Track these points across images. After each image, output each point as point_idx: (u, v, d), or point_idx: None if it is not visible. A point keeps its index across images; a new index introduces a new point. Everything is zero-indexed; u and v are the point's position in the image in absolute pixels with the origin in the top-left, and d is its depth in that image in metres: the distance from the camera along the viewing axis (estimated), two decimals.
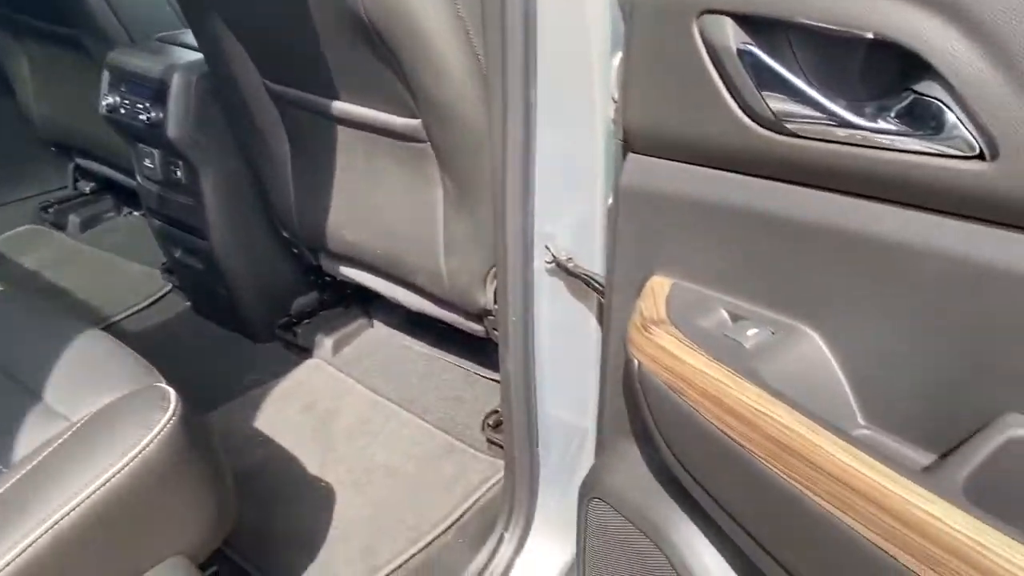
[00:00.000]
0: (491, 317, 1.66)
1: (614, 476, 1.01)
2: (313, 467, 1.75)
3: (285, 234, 1.98)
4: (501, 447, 1.68)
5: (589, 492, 1.04)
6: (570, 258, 1.20)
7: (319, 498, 1.67)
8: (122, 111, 1.88)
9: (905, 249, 0.69)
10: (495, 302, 1.61)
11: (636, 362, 0.85)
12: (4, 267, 2.52)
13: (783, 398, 0.71)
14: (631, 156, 0.91)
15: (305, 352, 2.11)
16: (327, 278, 2.10)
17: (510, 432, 1.37)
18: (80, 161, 2.64)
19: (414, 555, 1.52)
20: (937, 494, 0.59)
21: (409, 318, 2.12)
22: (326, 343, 2.10)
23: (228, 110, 1.83)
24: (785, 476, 0.69)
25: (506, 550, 1.40)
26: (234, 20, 1.58)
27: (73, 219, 2.70)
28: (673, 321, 0.83)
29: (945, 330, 0.69)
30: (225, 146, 1.89)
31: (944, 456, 0.70)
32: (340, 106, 1.57)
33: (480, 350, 1.95)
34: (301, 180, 1.80)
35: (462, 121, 1.37)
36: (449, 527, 1.57)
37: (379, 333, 2.18)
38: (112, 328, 2.23)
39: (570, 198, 1.16)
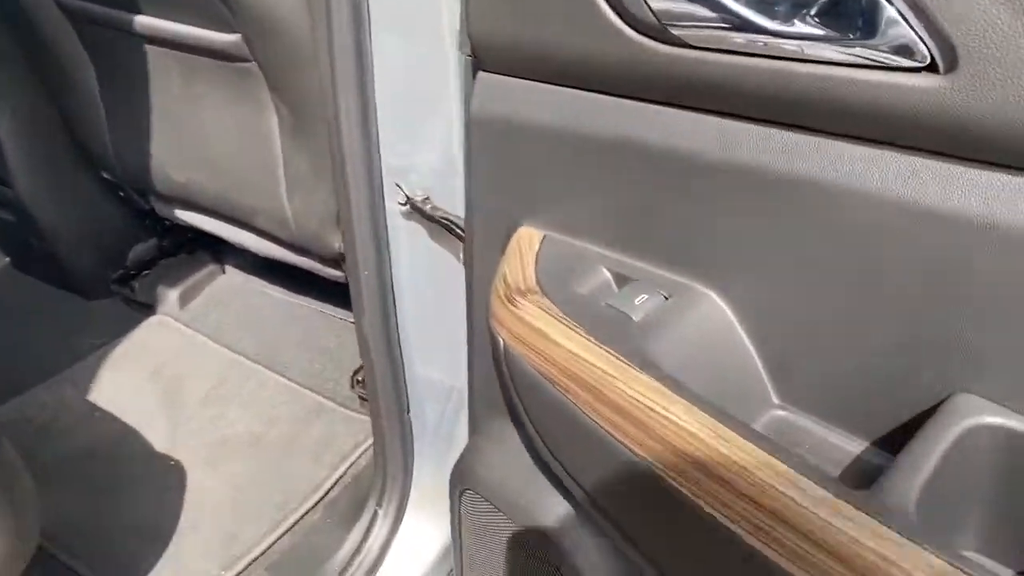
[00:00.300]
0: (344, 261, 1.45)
1: (488, 464, 0.85)
2: (160, 443, 1.53)
3: (106, 175, 1.70)
4: None
5: (461, 483, 0.87)
6: (427, 198, 1.00)
7: (168, 480, 1.46)
8: None
9: (828, 190, 0.53)
10: None
11: (501, 341, 0.68)
12: None
13: (682, 391, 0.55)
14: (482, 76, 0.72)
15: (147, 308, 1.86)
16: (166, 222, 1.84)
17: (375, 399, 1.19)
18: None
19: (279, 538, 1.35)
20: (895, 529, 0.44)
21: (266, 261, 1.88)
22: (170, 296, 1.85)
23: (14, 33, 1.51)
24: (691, 495, 0.53)
25: (381, 529, 1.24)
26: None
27: None
28: (544, 288, 0.66)
29: (878, 290, 0.54)
30: (22, 83, 1.58)
31: (881, 456, 0.57)
32: (145, 22, 1.29)
33: (346, 292, 1.74)
34: (114, 112, 1.52)
35: (286, 31, 1.13)
36: (318, 502, 1.40)
37: (232, 280, 1.95)
38: None
39: (422, 124, 0.95)
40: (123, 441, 1.54)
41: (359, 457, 1.48)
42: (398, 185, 1.02)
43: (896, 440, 0.56)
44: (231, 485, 1.44)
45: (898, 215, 0.51)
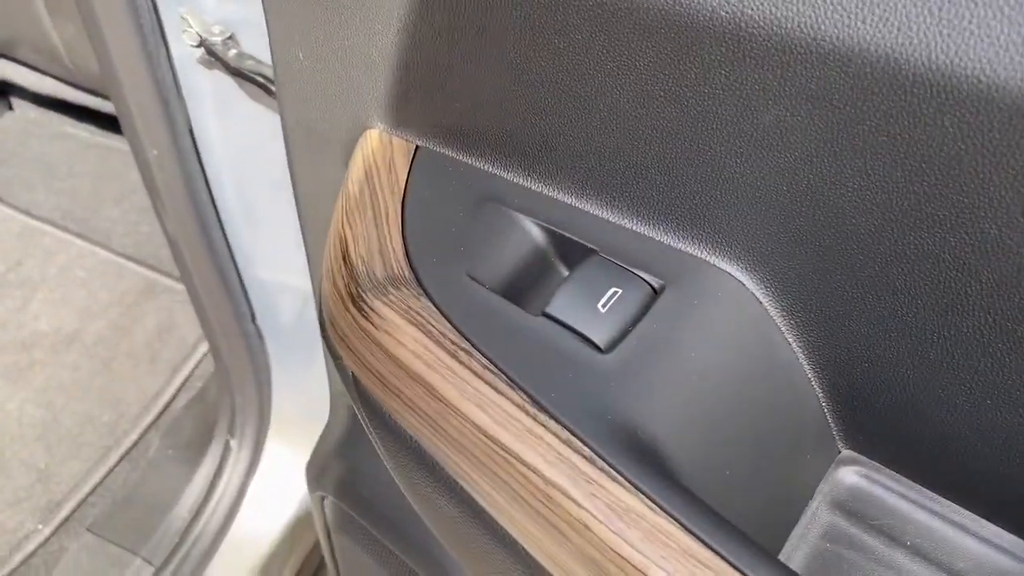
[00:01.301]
0: None
1: (345, 466, 0.57)
2: None
3: None
4: None
5: (319, 487, 0.59)
6: (231, 37, 0.64)
7: None
8: None
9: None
10: None
11: (348, 368, 0.37)
12: None
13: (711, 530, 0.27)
14: None
15: None
16: None
17: (203, 312, 0.87)
18: None
19: (107, 475, 1.06)
20: None
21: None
22: None
23: None
24: None
25: (236, 465, 0.97)
26: None
27: None
28: (419, 274, 0.35)
29: None
30: None
31: None
32: None
33: None
34: None
35: None
36: (154, 422, 1.10)
37: (22, 118, 1.50)
38: None
39: None
40: None
41: (207, 354, 1.17)
42: (184, 17, 0.65)
43: None
44: (40, 404, 1.12)
45: None
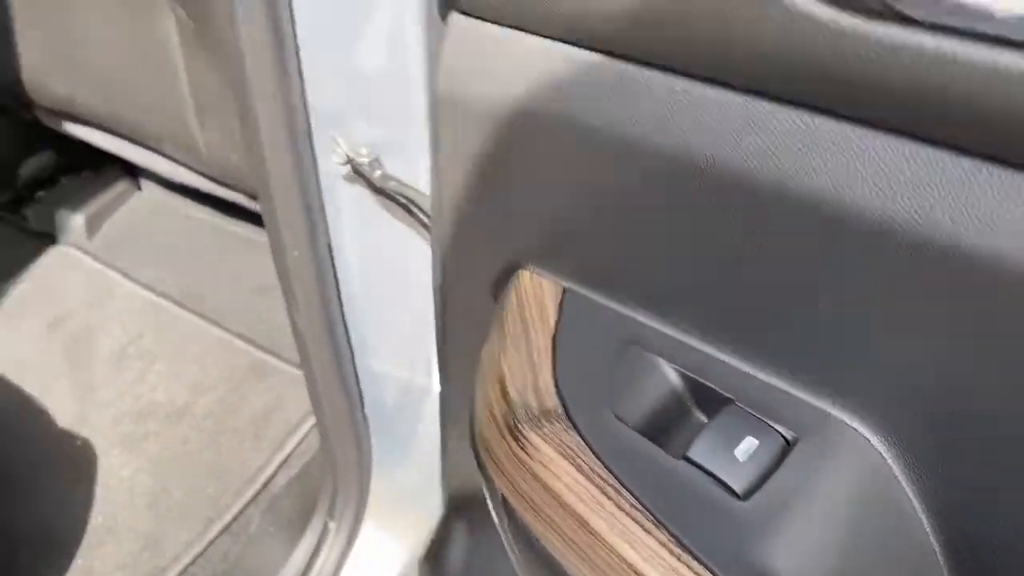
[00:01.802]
0: None
1: (463, 567, 0.60)
2: (65, 417, 1.27)
3: None
4: None
5: None
6: (376, 159, 0.71)
7: (75, 468, 1.20)
8: None
9: None
10: None
11: (498, 489, 0.41)
12: None
13: None
14: (456, 20, 0.42)
15: (46, 238, 1.54)
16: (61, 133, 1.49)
17: (318, 400, 0.93)
18: None
19: (209, 545, 1.11)
20: None
21: None
22: (74, 222, 1.53)
23: None
24: None
25: (333, 548, 1.01)
26: None
27: None
28: (570, 410, 0.39)
29: None
30: None
31: None
32: None
33: None
34: None
35: None
36: (257, 495, 1.16)
37: (149, 200, 1.62)
38: None
39: (362, 49, 0.65)
40: (16, 416, 1.26)
41: (308, 433, 1.23)
42: (335, 139, 0.72)
43: None
44: (152, 473, 1.19)
45: None
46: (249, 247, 1.53)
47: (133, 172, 1.62)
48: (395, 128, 0.68)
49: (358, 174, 0.72)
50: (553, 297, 0.43)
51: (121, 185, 1.60)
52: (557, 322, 0.42)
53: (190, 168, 1.17)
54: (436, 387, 0.87)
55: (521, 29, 0.38)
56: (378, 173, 0.70)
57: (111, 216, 1.58)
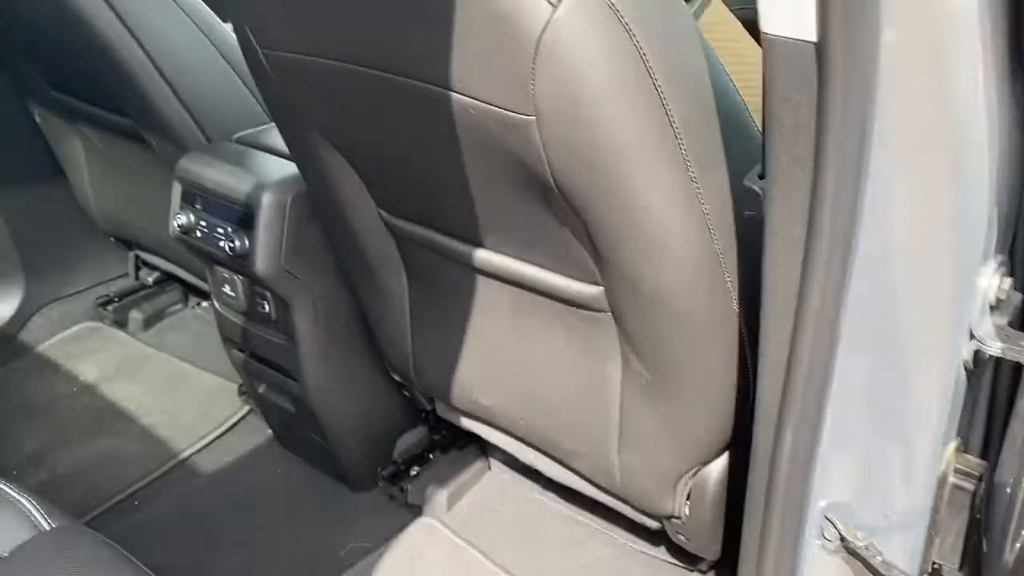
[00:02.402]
0: (676, 520, 1.28)
1: None
2: None
3: (396, 378, 1.62)
4: None
5: None
6: (870, 544, 0.81)
7: None
8: (198, 234, 1.54)
9: None
10: (688, 511, 1.24)
11: None
12: (60, 378, 2.21)
13: None
14: None
15: (413, 508, 1.75)
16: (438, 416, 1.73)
17: None
18: (142, 253, 2.32)
19: None
20: None
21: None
22: (439, 497, 1.73)
23: (330, 235, 1.47)
24: None
25: None
26: (346, 147, 1.22)
27: (135, 315, 2.37)
28: None
29: None
30: (324, 276, 1.53)
31: None
32: (485, 256, 1.20)
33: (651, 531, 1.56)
34: (421, 323, 1.43)
35: (674, 309, 0.99)
36: None
37: (499, 479, 1.81)
38: (177, 468, 1.89)
39: (879, 454, 0.78)
40: None
41: None
42: (830, 519, 0.83)
43: None
44: None
45: None
46: (595, 538, 1.65)
47: (485, 452, 1.83)
48: (903, 517, 0.79)
49: (849, 553, 0.83)
50: None
51: (476, 464, 1.81)
52: None
53: (593, 482, 1.33)
54: None
55: None
56: (878, 559, 0.80)
57: (467, 492, 1.77)
